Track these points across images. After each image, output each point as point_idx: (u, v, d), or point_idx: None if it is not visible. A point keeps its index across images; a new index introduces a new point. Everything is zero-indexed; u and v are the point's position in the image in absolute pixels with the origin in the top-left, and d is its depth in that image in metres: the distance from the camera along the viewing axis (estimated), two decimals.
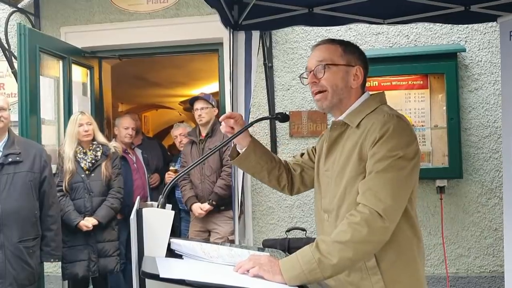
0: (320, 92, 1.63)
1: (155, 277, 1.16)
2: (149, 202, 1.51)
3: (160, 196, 1.45)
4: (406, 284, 1.55)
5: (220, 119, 1.79)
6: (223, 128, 1.78)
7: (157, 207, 1.45)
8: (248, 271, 1.38)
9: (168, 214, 1.43)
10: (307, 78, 1.69)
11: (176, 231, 4.40)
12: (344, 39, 1.73)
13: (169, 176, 4.35)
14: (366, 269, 1.52)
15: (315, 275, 1.38)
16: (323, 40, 1.72)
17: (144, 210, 1.38)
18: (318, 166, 1.74)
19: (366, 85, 1.72)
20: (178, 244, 1.47)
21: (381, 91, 1.72)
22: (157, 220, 1.40)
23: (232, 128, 1.78)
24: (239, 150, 1.82)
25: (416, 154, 1.51)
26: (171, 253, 1.45)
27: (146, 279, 1.24)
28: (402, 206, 1.47)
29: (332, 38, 1.74)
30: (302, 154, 1.93)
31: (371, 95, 1.69)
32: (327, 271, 1.38)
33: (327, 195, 1.63)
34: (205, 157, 1.72)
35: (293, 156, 1.97)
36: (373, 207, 1.41)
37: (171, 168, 4.41)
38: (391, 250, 1.51)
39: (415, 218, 1.59)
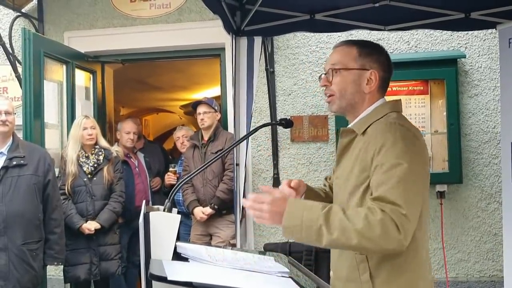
0: (330, 95, 1.62)
1: (163, 279, 1.18)
2: (155, 206, 1.53)
3: (166, 200, 1.48)
4: None
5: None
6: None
7: (164, 211, 1.47)
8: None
9: (174, 218, 1.46)
10: None
11: None
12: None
13: (169, 177, 4.35)
14: (361, 282, 1.49)
15: (309, 237, 1.36)
16: (342, 42, 1.68)
17: (151, 214, 1.40)
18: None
19: None
20: (184, 247, 1.49)
21: (398, 98, 1.68)
22: (163, 224, 1.42)
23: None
24: None
25: (424, 165, 1.46)
26: (177, 256, 1.47)
27: (153, 281, 1.26)
28: (416, 220, 1.39)
29: (351, 39, 1.70)
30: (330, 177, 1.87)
31: (386, 102, 1.63)
32: (322, 240, 1.35)
33: (336, 204, 1.56)
34: (209, 163, 1.74)
35: (324, 179, 1.93)
36: (394, 218, 1.33)
37: (170, 169, 4.42)
38: (390, 271, 1.47)
39: (421, 240, 1.49)
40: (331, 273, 1.64)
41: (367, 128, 1.54)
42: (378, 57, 1.62)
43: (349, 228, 1.33)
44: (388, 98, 1.62)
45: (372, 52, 1.62)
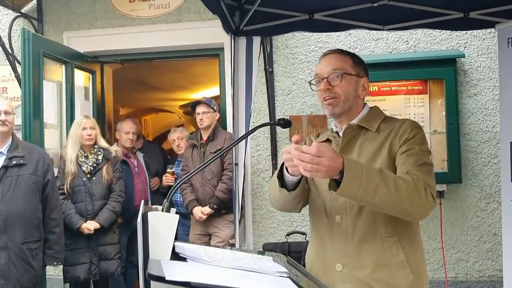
0: (333, 98, 1.69)
1: (161, 279, 1.18)
2: (154, 206, 1.52)
3: (165, 200, 1.47)
4: (425, 278, 1.70)
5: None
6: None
7: (162, 210, 1.47)
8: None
9: (172, 218, 1.45)
10: (315, 85, 1.75)
11: None
12: (344, 45, 1.80)
13: (167, 178, 4.35)
14: (395, 264, 1.60)
15: (364, 194, 1.43)
16: (333, 50, 1.79)
17: (149, 214, 1.40)
18: None
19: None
20: (182, 247, 1.49)
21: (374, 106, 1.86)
22: (161, 223, 1.42)
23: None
24: (290, 179, 1.64)
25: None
26: (175, 256, 1.47)
27: (151, 282, 1.26)
28: None
29: (341, 49, 1.81)
30: None
31: (371, 107, 1.81)
32: (376, 197, 1.45)
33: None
34: (208, 162, 1.74)
35: None
36: (431, 191, 1.54)
37: (168, 170, 4.42)
38: (415, 248, 1.67)
39: None
40: (338, 266, 1.65)
41: (378, 126, 1.71)
42: (365, 67, 1.78)
43: (403, 188, 1.48)
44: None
45: (361, 62, 1.78)
